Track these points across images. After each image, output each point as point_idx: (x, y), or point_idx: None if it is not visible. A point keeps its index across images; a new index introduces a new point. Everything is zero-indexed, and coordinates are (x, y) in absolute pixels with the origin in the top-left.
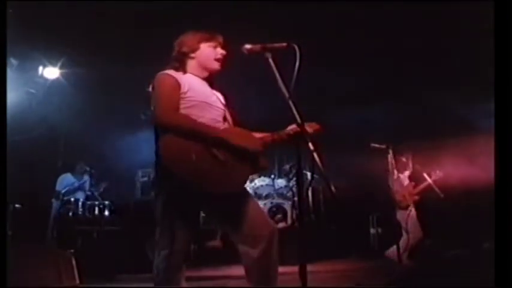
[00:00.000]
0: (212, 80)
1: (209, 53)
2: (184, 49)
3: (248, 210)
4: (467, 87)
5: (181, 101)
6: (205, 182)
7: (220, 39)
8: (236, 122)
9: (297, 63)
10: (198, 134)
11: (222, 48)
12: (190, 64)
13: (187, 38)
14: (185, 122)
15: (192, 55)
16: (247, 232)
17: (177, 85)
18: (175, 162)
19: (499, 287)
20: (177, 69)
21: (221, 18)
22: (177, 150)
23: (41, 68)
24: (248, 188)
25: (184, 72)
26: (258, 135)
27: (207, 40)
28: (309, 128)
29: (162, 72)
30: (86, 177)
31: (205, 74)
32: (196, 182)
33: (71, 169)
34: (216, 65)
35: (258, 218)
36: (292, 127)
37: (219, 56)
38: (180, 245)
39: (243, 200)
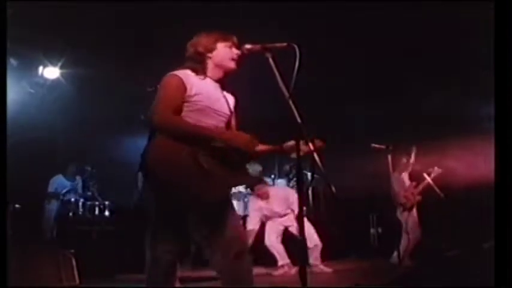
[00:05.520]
0: (225, 81)
1: (226, 52)
2: (201, 49)
3: (224, 223)
4: (467, 87)
5: (186, 104)
6: (184, 188)
7: (235, 39)
8: (240, 128)
9: (297, 63)
10: (190, 137)
11: (237, 48)
12: (207, 65)
13: (203, 38)
14: (179, 125)
15: (209, 55)
16: (219, 243)
17: (182, 87)
18: (159, 165)
19: (499, 287)
20: (196, 70)
21: (221, 18)
22: (163, 153)
23: (41, 68)
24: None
25: (205, 73)
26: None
27: (224, 40)
28: (313, 145)
29: (171, 72)
30: (79, 179)
31: (220, 75)
32: (176, 186)
33: (63, 170)
34: (232, 64)
35: (233, 232)
36: (292, 144)
37: (235, 56)
38: (168, 246)
39: (221, 212)
